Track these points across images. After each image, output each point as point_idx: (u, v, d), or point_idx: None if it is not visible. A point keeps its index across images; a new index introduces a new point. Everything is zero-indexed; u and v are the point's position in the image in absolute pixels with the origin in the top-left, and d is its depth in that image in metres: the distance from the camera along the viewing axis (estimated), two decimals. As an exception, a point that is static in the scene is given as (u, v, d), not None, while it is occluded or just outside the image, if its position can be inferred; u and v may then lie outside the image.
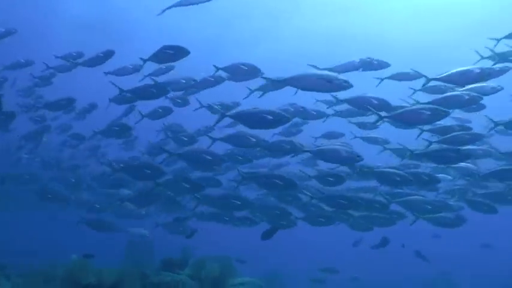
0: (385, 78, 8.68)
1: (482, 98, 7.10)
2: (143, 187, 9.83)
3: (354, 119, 8.91)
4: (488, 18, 20.07)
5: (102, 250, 10.55)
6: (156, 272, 8.41)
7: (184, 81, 8.52)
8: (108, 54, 8.58)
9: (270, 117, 6.56)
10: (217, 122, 7.11)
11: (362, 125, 9.02)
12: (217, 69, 8.10)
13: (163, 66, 8.82)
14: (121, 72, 8.84)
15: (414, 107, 6.98)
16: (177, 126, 10.27)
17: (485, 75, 7.00)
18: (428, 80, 7.48)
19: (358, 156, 7.16)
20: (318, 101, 8.90)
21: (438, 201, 8.13)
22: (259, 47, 23.68)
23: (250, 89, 8.17)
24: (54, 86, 10.26)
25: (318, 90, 6.76)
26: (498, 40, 8.00)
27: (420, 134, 7.67)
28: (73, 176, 11.06)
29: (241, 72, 8.10)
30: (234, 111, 6.96)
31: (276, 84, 6.84)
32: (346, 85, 6.48)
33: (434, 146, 7.59)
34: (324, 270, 11.90)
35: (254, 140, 7.34)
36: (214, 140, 7.40)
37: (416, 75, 8.62)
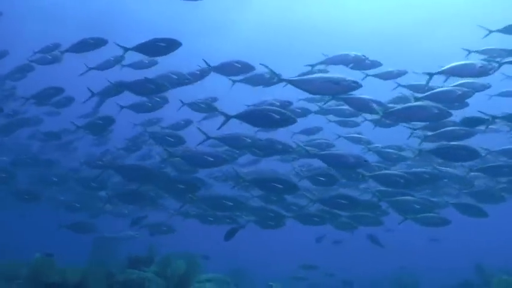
0: (370, 75, 8.67)
1: (473, 93, 7.19)
2: (124, 186, 9.74)
3: (334, 118, 8.99)
4: (453, 11, 20.41)
5: (68, 249, 10.49)
6: (122, 270, 8.41)
7: (176, 76, 8.07)
8: (100, 43, 8.14)
9: (277, 116, 6.43)
10: (222, 125, 6.80)
11: (343, 123, 9.10)
12: (209, 67, 7.87)
13: (146, 60, 8.53)
14: (104, 66, 8.49)
15: (418, 104, 6.93)
16: (156, 121, 10.16)
17: (487, 70, 7.06)
18: (431, 75, 7.44)
19: (365, 160, 7.19)
20: (300, 99, 8.85)
21: (427, 200, 8.18)
22: (214, 38, 23.54)
23: (233, 80, 8.05)
24: (29, 80, 10.05)
25: (326, 93, 6.68)
26: (490, 31, 8.17)
27: (412, 133, 7.76)
28: (49, 173, 10.81)
29: (235, 70, 7.94)
30: (239, 111, 6.75)
31: (279, 82, 6.59)
32: (355, 86, 6.29)
33: (443, 144, 7.57)
34: (304, 267, 11.98)
35: (249, 140, 7.28)
36: (208, 138, 7.23)
37: (400, 73, 8.72)
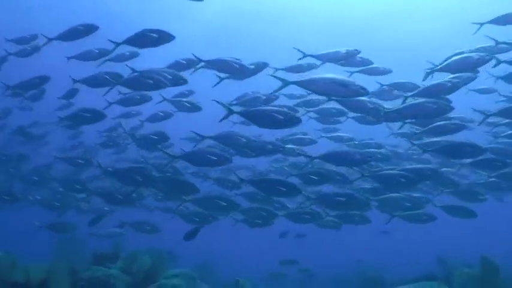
0: (355, 72, 8.66)
1: (463, 84, 7.14)
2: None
3: (314, 114, 8.86)
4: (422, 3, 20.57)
5: (33, 247, 10.33)
6: (87, 267, 8.36)
7: (170, 76, 7.47)
8: (90, 29, 7.65)
9: (280, 117, 6.33)
10: (223, 119, 6.69)
11: (323, 119, 9.08)
12: (199, 61, 7.52)
13: (127, 52, 8.14)
14: (85, 56, 8.08)
15: (420, 101, 6.93)
16: (135, 113, 9.89)
17: (484, 61, 7.06)
18: (432, 70, 7.39)
19: (369, 156, 7.19)
20: (280, 94, 8.64)
21: (415, 197, 8.26)
22: (177, 23, 23.27)
23: (219, 77, 7.82)
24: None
25: (333, 95, 6.56)
26: (481, 24, 8.12)
27: (402, 126, 7.77)
28: (24, 170, 10.51)
29: (231, 70, 7.54)
30: (243, 108, 6.69)
31: (287, 84, 6.45)
32: (363, 92, 6.29)
33: (449, 140, 7.60)
34: (283, 263, 12.00)
35: (245, 140, 7.23)
36: (203, 137, 7.20)
37: (385, 71, 8.66)
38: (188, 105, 8.47)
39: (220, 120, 6.74)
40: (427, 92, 7.12)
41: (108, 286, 7.97)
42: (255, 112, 6.46)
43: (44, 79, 8.42)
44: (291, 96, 9.01)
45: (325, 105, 8.60)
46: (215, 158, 7.10)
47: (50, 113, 9.05)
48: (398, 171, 7.56)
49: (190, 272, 9.40)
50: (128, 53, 8.21)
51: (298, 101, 8.83)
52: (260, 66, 8.10)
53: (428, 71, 7.46)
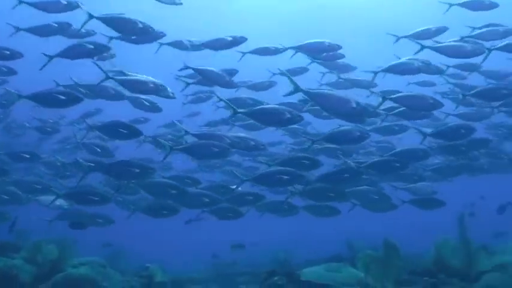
0: (313, 61, 8.58)
1: (430, 63, 7.49)
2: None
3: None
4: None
5: None
6: (-14, 259, 7.90)
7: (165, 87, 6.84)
8: (72, 6, 6.82)
9: (288, 115, 6.27)
10: (230, 118, 6.69)
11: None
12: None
13: (83, 30, 7.21)
14: (44, 31, 7.21)
15: (417, 93, 7.03)
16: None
17: (480, 51, 7.25)
18: (423, 47, 7.41)
19: (367, 133, 7.18)
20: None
21: (379, 189, 8.35)
22: None
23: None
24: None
25: (339, 113, 6.58)
26: (450, 5, 8.13)
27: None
28: None
29: (220, 82, 7.26)
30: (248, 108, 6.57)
31: (297, 91, 6.22)
32: (366, 113, 6.40)
33: (450, 123, 7.71)
34: (234, 247, 11.97)
35: (229, 140, 6.99)
36: (188, 133, 6.96)
37: (348, 68, 8.72)
38: (147, 104, 7.81)
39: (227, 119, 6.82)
40: (397, 68, 7.41)
41: (10, 277, 7.57)
42: (261, 111, 6.46)
43: (15, 54, 7.27)
44: (251, 87, 8.83)
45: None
46: (217, 150, 6.87)
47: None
48: (391, 156, 7.66)
49: (99, 260, 9.18)
50: (84, 31, 7.36)
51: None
52: (238, 40, 7.98)
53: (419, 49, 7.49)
